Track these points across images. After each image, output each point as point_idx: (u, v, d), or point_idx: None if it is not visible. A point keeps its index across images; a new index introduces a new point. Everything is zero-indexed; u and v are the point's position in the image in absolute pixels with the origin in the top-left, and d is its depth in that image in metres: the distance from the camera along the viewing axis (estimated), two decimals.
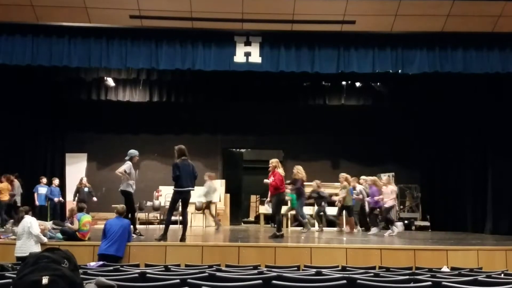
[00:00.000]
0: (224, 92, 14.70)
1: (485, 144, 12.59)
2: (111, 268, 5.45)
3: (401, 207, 14.80)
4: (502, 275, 5.45)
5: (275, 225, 10.10)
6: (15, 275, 2.11)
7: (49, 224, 9.84)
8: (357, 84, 14.51)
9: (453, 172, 14.06)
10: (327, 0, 9.19)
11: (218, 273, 4.64)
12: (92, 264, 6.42)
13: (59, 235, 8.61)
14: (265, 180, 9.90)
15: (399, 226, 12.12)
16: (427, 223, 14.31)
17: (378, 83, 14.35)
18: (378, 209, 11.58)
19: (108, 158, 15.59)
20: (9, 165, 13.17)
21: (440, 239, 10.36)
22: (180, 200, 8.72)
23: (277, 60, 9.83)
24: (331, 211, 12.78)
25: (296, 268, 5.87)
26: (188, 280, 3.97)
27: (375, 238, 10.53)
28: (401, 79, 12.30)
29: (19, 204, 11.82)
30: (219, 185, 14.19)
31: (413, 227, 14.12)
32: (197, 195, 11.82)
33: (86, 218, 8.54)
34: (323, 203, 12.41)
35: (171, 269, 5.38)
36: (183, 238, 8.40)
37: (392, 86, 14.25)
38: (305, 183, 11.35)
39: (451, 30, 9.62)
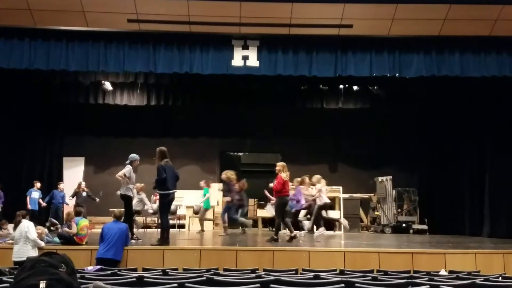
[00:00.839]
0: (221, 96, 14.69)
1: (482, 147, 12.61)
2: (109, 272, 5.44)
3: (399, 210, 14.81)
4: (500, 278, 5.46)
5: (274, 229, 10.10)
6: (12, 280, 2.11)
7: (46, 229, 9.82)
8: (355, 87, 14.53)
9: (450, 175, 14.09)
10: (324, 4, 9.21)
11: (216, 277, 4.62)
12: (90, 268, 6.40)
13: (57, 239, 8.59)
14: (270, 184, 10.05)
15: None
16: (425, 227, 14.32)
17: (376, 87, 14.39)
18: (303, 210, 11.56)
19: (105, 162, 15.58)
20: (6, 169, 13.17)
21: (438, 243, 10.37)
22: (167, 203, 8.64)
23: (275, 64, 9.85)
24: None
25: (294, 272, 5.86)
26: (186, 284, 3.96)
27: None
28: (398, 82, 12.33)
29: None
30: (217, 189, 14.17)
31: (411, 231, 14.13)
32: (192, 199, 11.86)
33: (83, 222, 8.54)
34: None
35: (169, 273, 5.38)
36: (165, 241, 8.30)
37: (390, 89, 14.28)
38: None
39: (448, 34, 9.65)
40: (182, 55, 9.79)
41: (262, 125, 15.75)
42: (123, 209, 9.06)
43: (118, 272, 5.31)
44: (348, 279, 4.58)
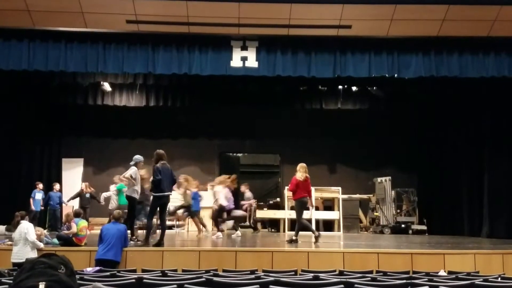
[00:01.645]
0: (220, 97, 14.69)
1: (481, 148, 12.62)
2: (108, 273, 5.43)
3: (398, 211, 14.82)
4: (499, 278, 5.46)
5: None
6: (11, 281, 2.10)
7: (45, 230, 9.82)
8: (354, 88, 14.54)
9: (449, 176, 14.09)
10: (323, 5, 9.22)
11: (215, 278, 4.62)
12: (89, 269, 6.39)
13: (56, 240, 8.58)
14: None
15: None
16: (424, 227, 14.32)
17: (375, 87, 14.40)
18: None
19: (104, 163, 15.56)
20: (5, 170, 13.15)
21: (437, 243, 10.37)
22: (159, 205, 8.63)
23: (274, 65, 9.85)
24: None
25: (293, 273, 5.86)
26: (185, 285, 3.96)
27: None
28: (397, 83, 12.34)
29: None
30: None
31: (410, 231, 14.12)
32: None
33: (82, 223, 8.54)
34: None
35: (168, 274, 5.37)
36: (160, 243, 8.28)
37: (388, 90, 14.29)
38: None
39: (446, 35, 9.66)
40: (181, 56, 9.79)
41: (261, 126, 15.75)
42: (126, 210, 9.08)
43: (117, 273, 5.31)
44: (348, 279, 4.59)
